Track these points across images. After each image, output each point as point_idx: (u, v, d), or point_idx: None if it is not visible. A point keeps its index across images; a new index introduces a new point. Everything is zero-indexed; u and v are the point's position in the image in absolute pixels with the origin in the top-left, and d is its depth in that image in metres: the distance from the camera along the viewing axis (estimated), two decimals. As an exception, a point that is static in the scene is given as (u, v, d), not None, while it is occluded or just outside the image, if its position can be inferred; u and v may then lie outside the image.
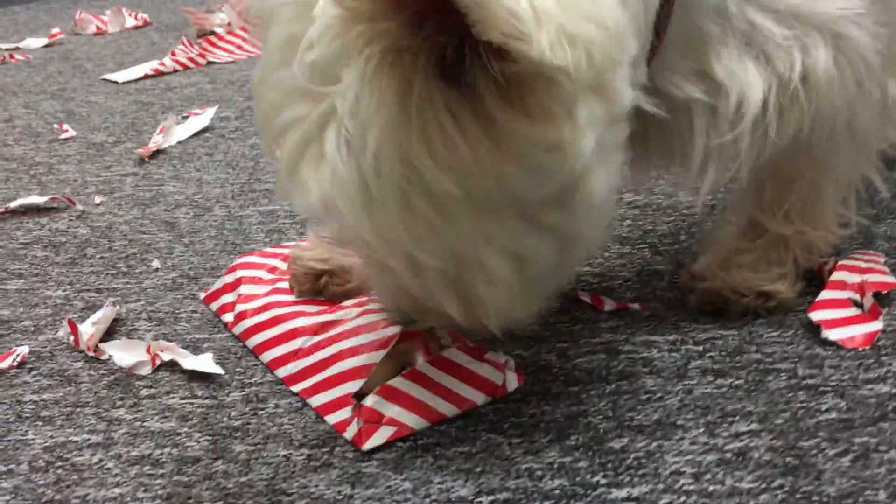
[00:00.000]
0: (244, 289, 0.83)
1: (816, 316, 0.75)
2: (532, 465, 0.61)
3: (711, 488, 0.59)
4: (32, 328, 0.84)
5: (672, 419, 0.65)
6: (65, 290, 0.90)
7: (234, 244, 0.98)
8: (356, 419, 0.65)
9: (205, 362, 0.74)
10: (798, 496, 0.57)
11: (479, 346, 0.71)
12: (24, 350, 0.79)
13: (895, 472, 0.59)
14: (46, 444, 0.67)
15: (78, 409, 0.71)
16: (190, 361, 0.74)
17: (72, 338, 0.79)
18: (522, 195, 0.54)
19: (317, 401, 0.69)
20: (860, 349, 0.72)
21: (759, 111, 0.66)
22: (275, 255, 0.88)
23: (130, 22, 2.19)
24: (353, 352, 0.72)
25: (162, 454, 0.65)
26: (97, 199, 1.12)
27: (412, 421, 0.65)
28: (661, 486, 0.59)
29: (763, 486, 0.58)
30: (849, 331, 0.73)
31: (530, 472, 0.61)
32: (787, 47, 0.65)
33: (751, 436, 0.63)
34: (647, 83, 0.63)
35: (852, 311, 0.75)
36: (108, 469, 0.64)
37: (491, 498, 0.59)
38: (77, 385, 0.74)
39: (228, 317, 0.81)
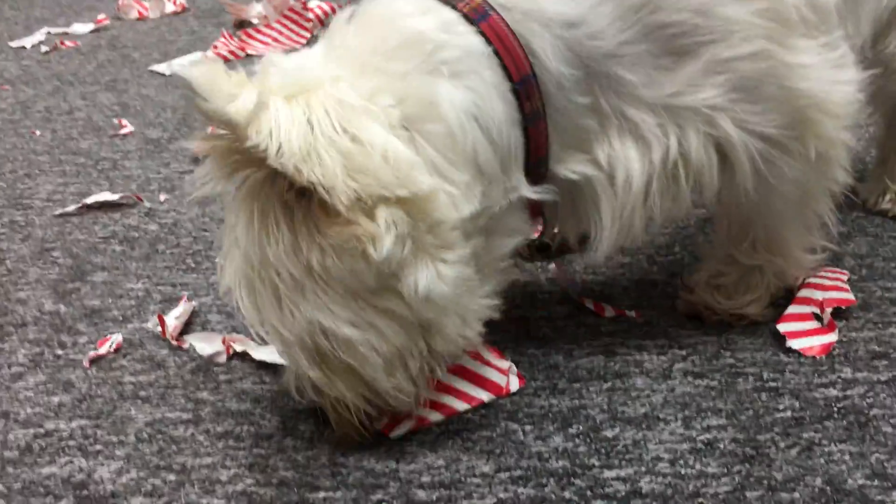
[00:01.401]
0: None
1: (783, 327, 0.89)
2: (541, 448, 0.77)
3: (683, 471, 0.73)
4: (121, 317, 0.99)
5: (656, 413, 0.80)
6: (144, 283, 1.05)
7: (286, 243, 1.12)
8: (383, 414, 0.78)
9: (271, 353, 0.89)
10: (752, 479, 0.72)
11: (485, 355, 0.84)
12: (118, 338, 0.94)
13: (832, 463, 0.74)
14: (147, 420, 0.83)
15: (169, 391, 0.86)
16: (259, 353, 0.89)
17: (159, 329, 0.94)
18: (347, 281, 0.68)
19: None
20: (817, 357, 0.86)
21: (642, 186, 0.76)
22: None
23: (170, 7, 2.32)
24: None
25: (242, 430, 0.81)
26: (162, 197, 1.26)
27: (430, 415, 0.79)
28: (643, 468, 0.74)
29: (725, 471, 0.73)
30: (809, 341, 0.88)
31: (539, 455, 0.76)
32: (661, 133, 0.75)
33: (719, 429, 0.78)
34: (534, 180, 0.75)
35: (813, 325, 0.89)
36: (200, 441, 0.80)
37: (507, 474, 0.74)
38: (166, 370, 0.89)
39: None
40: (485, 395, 0.82)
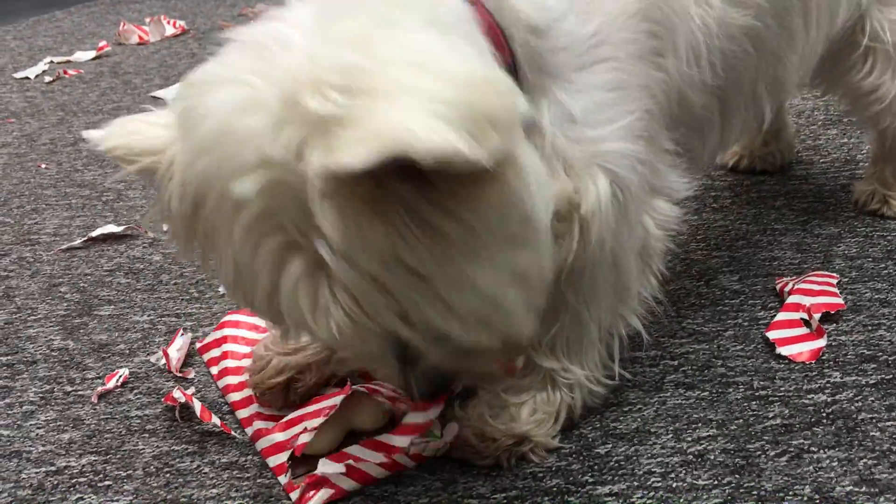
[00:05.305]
0: (229, 346, 0.94)
1: (773, 335, 0.90)
2: (535, 468, 0.78)
3: (675, 485, 0.75)
4: (127, 351, 1.02)
5: (647, 427, 0.82)
6: (149, 315, 1.08)
7: (286, 268, 1.14)
8: (303, 484, 0.76)
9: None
10: (741, 491, 0.74)
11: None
12: (124, 372, 0.97)
13: (821, 470, 0.75)
14: (154, 453, 0.85)
15: (175, 423, 0.89)
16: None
17: (163, 362, 0.97)
18: (500, 233, 0.60)
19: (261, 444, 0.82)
20: (807, 363, 0.88)
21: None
22: None
23: (170, 30, 2.35)
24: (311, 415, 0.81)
25: (246, 460, 0.83)
26: (164, 227, 1.29)
27: (347, 484, 0.76)
28: (636, 483, 0.76)
29: (715, 482, 0.75)
30: (798, 347, 0.89)
31: (534, 475, 0.78)
32: (580, 172, 0.71)
33: (709, 440, 0.80)
34: None
35: (802, 331, 0.91)
36: (206, 473, 0.82)
37: (504, 495, 0.76)
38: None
39: (214, 370, 0.94)
40: (407, 461, 0.78)
